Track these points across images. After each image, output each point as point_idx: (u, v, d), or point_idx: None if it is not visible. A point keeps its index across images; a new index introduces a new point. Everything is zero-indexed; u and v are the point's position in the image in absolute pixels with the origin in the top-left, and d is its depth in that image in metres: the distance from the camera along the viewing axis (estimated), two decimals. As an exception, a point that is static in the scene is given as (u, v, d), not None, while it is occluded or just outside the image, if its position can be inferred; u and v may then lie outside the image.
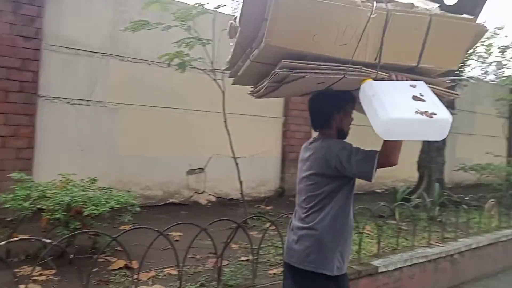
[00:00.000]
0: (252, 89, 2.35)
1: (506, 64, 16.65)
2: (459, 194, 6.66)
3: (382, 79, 1.84)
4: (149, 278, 2.97)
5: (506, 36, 21.69)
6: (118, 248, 2.62)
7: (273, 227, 3.27)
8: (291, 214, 3.69)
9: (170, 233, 4.18)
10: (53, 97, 5.12)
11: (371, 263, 3.52)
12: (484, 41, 16.59)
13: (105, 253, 3.34)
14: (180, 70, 4.41)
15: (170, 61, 4.39)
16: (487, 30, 2.13)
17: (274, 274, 3.14)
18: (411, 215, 4.43)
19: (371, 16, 1.73)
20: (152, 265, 3.29)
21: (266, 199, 6.92)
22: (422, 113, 1.61)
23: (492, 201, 5.49)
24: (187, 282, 2.89)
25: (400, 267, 3.71)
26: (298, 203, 2.19)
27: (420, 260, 3.92)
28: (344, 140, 2.15)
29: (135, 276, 2.45)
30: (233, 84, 2.53)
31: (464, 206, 5.22)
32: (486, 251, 4.85)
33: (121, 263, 3.17)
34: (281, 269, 3.12)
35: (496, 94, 10.95)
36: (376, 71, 1.83)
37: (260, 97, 2.30)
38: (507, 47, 11.53)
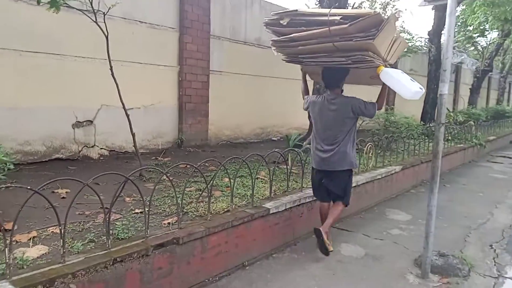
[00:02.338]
0: (286, 57, 3.92)
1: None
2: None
3: (385, 66, 3.41)
4: (29, 239, 2.73)
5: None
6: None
7: (171, 178, 3.21)
8: (190, 164, 3.63)
9: (56, 191, 3.91)
10: None
11: (263, 205, 3.70)
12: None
13: (-26, 216, 2.97)
14: (53, 10, 3.84)
15: (38, -2, 3.77)
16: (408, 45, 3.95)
17: (169, 223, 3.12)
18: (301, 159, 4.73)
19: (395, 36, 3.35)
20: (35, 225, 3.03)
21: (164, 151, 6.77)
22: (420, 88, 3.30)
23: (370, 144, 6.12)
24: (74, 240, 2.73)
25: (290, 208, 3.98)
26: (328, 135, 3.70)
27: (308, 200, 4.25)
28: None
29: (11, 238, 2.21)
30: (279, 53, 3.89)
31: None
32: (364, 188, 5.45)
33: (-5, 226, 2.84)
34: (176, 218, 3.13)
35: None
36: (385, 63, 3.46)
37: (299, 63, 3.92)
38: (388, 3, 12.48)
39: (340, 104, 3.63)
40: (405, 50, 11.34)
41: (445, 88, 3.14)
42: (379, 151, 6.40)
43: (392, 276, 3.38)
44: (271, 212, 3.70)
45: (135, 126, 4.68)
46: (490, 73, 18.99)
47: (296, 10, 3.48)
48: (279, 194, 4.19)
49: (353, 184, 5.07)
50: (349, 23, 3.09)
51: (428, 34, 11.48)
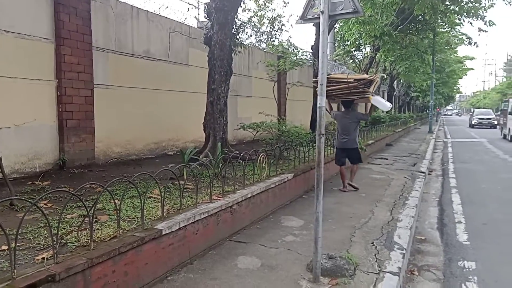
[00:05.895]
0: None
1: (275, 34, 19.24)
2: (241, 150, 7.38)
3: (372, 95, 7.00)
4: None
5: (274, 10, 24.88)
6: None
7: (50, 205, 2.84)
8: (64, 190, 3.29)
9: None
10: None
11: (154, 227, 3.50)
12: (257, 12, 18.70)
13: None
14: None
15: None
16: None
17: (43, 259, 2.75)
18: (197, 173, 4.63)
19: (376, 82, 6.93)
20: None
21: (43, 174, 6.08)
22: (389, 105, 7.38)
23: (262, 155, 6.30)
24: None
25: (184, 226, 3.83)
26: (345, 131, 7.39)
27: (203, 216, 4.16)
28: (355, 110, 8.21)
29: None
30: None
31: (241, 161, 5.80)
32: (260, 198, 5.55)
33: None
34: (51, 252, 2.79)
35: (267, 61, 12.49)
36: (372, 93, 6.95)
37: (333, 99, 7.68)
38: (275, 19, 13.16)
39: (351, 115, 7.44)
40: (299, 63, 12.22)
41: (323, 101, 3.35)
42: (272, 160, 6.62)
43: (286, 284, 3.46)
44: (163, 233, 3.52)
45: (5, 148, 4.13)
46: (366, 83, 21.17)
47: (330, 75, 6.81)
48: (172, 213, 4.02)
49: (249, 196, 5.20)
50: (358, 82, 6.77)
51: (312, 49, 12.34)
